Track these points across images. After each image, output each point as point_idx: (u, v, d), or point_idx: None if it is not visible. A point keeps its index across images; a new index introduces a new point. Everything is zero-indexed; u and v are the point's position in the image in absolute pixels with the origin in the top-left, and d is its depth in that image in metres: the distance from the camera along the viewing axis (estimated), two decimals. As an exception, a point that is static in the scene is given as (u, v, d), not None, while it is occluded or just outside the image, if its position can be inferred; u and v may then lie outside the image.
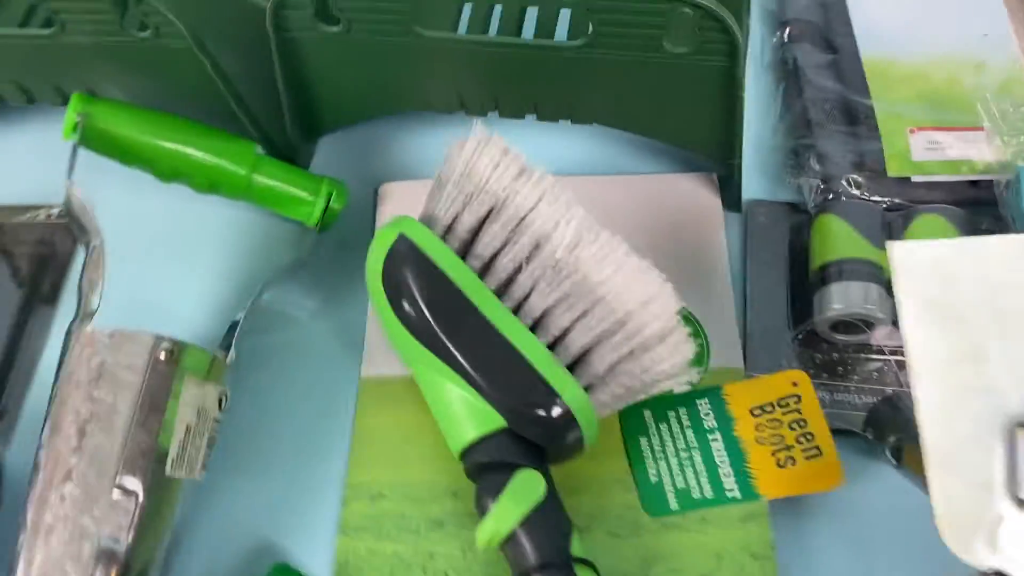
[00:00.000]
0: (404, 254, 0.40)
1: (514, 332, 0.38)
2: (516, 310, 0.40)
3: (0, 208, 0.54)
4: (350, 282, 0.50)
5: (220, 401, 0.42)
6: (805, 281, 0.46)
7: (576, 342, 0.39)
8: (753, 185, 0.50)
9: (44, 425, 0.39)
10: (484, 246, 0.40)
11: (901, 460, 0.39)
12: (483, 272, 0.40)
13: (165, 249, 0.50)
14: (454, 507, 0.42)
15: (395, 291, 0.40)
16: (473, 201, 0.41)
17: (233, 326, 0.44)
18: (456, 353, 0.38)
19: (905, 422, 0.39)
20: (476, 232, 0.41)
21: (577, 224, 0.40)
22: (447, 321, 0.39)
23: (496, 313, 0.39)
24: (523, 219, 0.40)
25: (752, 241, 0.49)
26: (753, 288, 0.47)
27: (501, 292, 0.40)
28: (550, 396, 0.38)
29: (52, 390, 0.40)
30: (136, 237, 0.47)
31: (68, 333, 0.41)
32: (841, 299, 0.43)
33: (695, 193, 0.50)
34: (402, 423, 0.44)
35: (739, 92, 0.41)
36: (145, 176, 0.48)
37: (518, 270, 0.40)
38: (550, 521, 0.37)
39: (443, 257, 0.39)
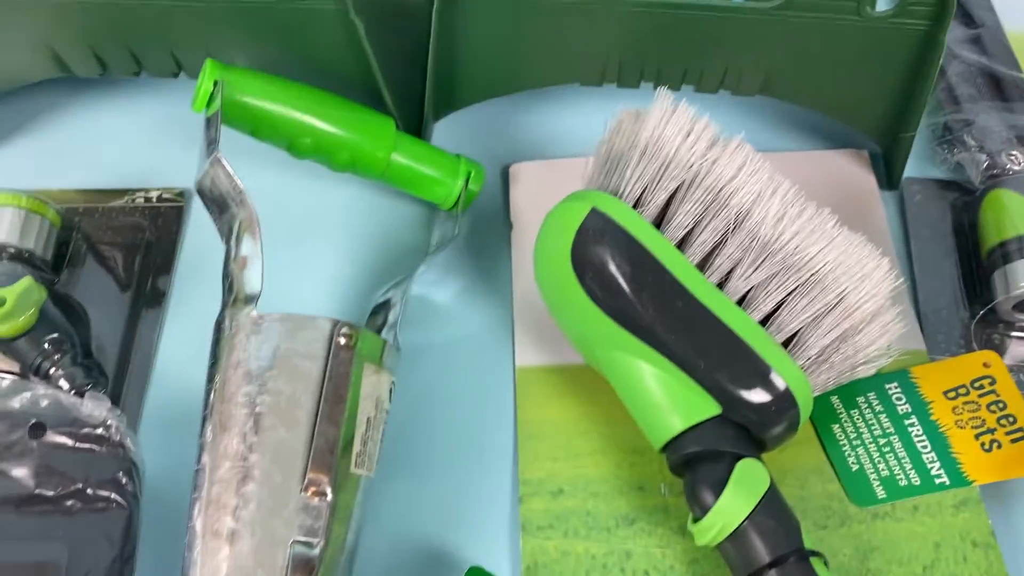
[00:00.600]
0: (600, 229, 0.37)
1: (726, 311, 0.36)
2: (720, 287, 0.37)
3: (93, 192, 0.49)
4: (488, 268, 0.47)
5: (390, 391, 0.38)
6: (975, 260, 0.45)
7: (787, 323, 0.36)
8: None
9: (204, 424, 0.36)
10: (679, 223, 0.37)
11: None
12: (680, 250, 0.38)
13: (294, 233, 0.47)
14: (642, 502, 0.39)
15: (590, 269, 0.37)
16: (664, 174, 0.38)
17: (382, 305, 0.41)
18: (665, 334, 0.36)
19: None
20: (666, 208, 0.38)
21: (782, 196, 0.37)
22: (654, 300, 0.36)
23: (705, 291, 0.36)
24: (721, 191, 0.37)
25: (912, 220, 0.47)
26: (920, 269, 0.45)
27: (702, 270, 0.37)
28: (769, 376, 0.35)
29: (210, 384, 0.36)
30: (264, 220, 0.43)
31: (220, 321, 0.37)
32: (1031, 276, 0.41)
33: (849, 171, 0.48)
34: (569, 415, 0.42)
35: (938, 58, 0.39)
36: (267, 154, 0.45)
37: (718, 247, 0.37)
38: (779, 513, 0.35)
39: (644, 232, 0.37)
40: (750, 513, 0.34)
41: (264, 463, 0.34)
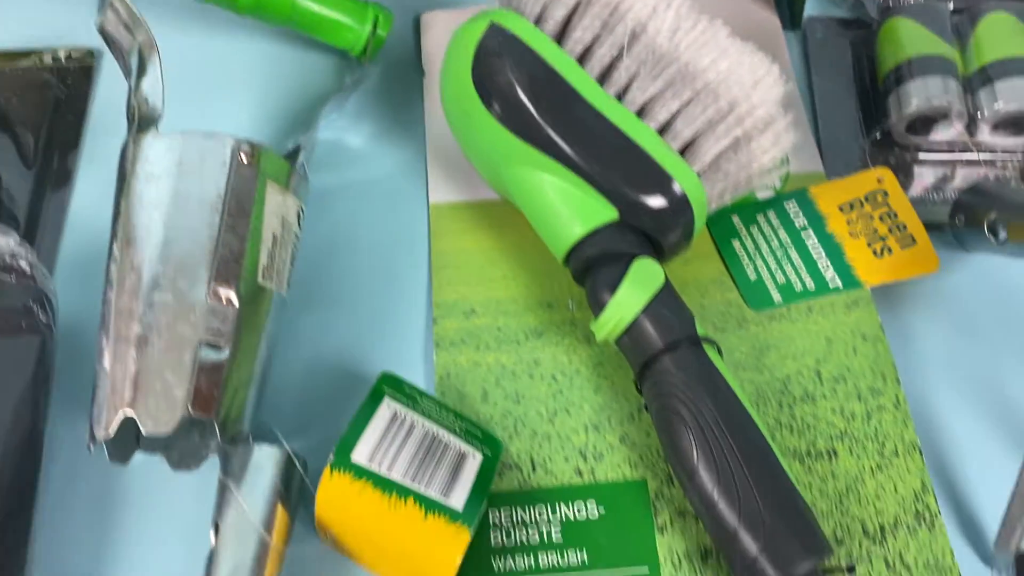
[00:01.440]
0: (499, 44, 0.37)
1: (624, 119, 0.37)
2: (619, 100, 0.38)
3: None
4: (399, 113, 0.47)
5: (298, 216, 0.39)
6: (872, 90, 0.46)
7: (681, 132, 0.38)
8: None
9: (112, 243, 0.36)
10: (577, 38, 0.38)
11: (1002, 237, 0.39)
12: (580, 65, 0.38)
13: (201, 88, 0.46)
14: (550, 317, 0.40)
15: (490, 84, 0.37)
16: (561, -8, 0.38)
17: (294, 152, 0.41)
18: (564, 143, 0.37)
19: (1002, 200, 0.40)
20: (566, 25, 0.39)
21: (676, 9, 0.38)
22: (552, 110, 0.37)
23: (603, 101, 0.37)
24: (618, 7, 0.38)
25: (814, 57, 0.48)
26: (821, 101, 0.47)
27: (601, 84, 0.38)
28: (666, 181, 0.36)
29: (116, 207, 0.36)
30: (173, 75, 0.43)
31: (124, 147, 0.37)
32: (920, 94, 0.43)
33: (752, 11, 0.49)
34: (480, 246, 0.43)
35: None
36: (172, 11, 0.44)
37: (616, 60, 0.38)
38: (673, 306, 0.36)
39: (542, 45, 0.37)
40: (645, 306, 0.35)
41: (169, 271, 0.34)
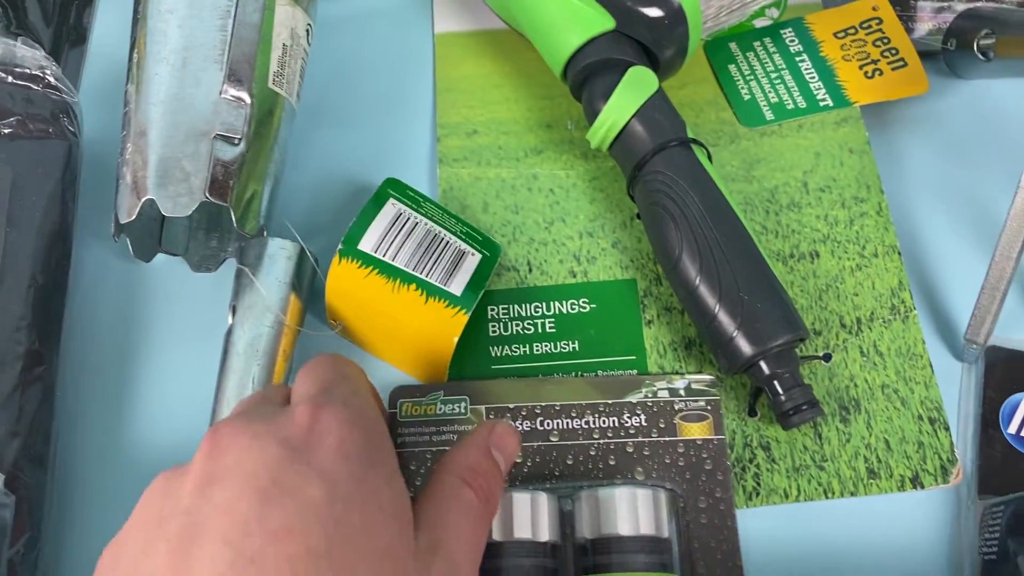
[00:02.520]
0: None
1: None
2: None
3: None
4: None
5: (307, 31, 0.40)
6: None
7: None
8: None
9: (132, 46, 0.38)
10: None
11: (991, 55, 0.40)
12: None
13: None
14: (549, 136, 0.42)
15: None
16: None
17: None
18: (561, -47, 0.38)
19: (993, 20, 0.41)
20: None
21: None
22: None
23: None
24: None
25: None
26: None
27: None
28: (660, -10, 0.37)
29: (135, 7, 0.38)
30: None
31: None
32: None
33: None
34: (483, 71, 0.44)
35: None
36: None
37: None
38: (665, 111, 0.38)
39: None
40: (638, 110, 0.37)
41: (186, 72, 0.36)
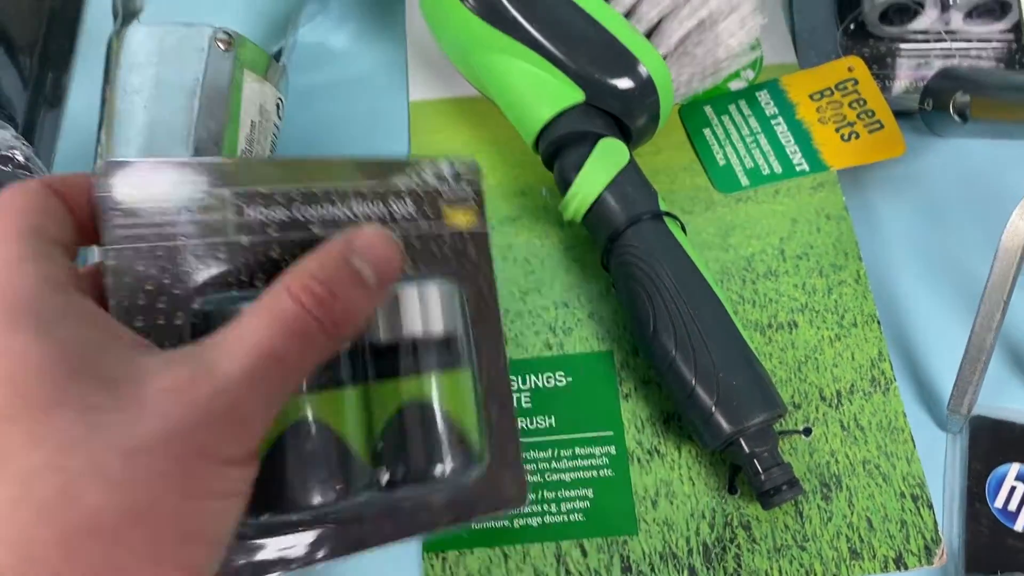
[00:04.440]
0: (467, -68, 0.38)
1: (589, 3, 0.38)
2: (585, -16, 0.39)
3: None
4: (381, 15, 0.48)
5: (278, 106, 0.40)
6: (848, -17, 0.46)
7: (647, 14, 0.38)
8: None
9: (99, 132, 0.37)
10: (545, -74, 0.39)
11: (967, 116, 0.40)
12: (546, -49, 0.39)
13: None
14: (524, 204, 0.42)
15: (459, -29, 0.38)
16: None
17: (277, 54, 0.43)
18: (531, 27, 0.37)
19: (968, 81, 0.40)
20: (534, -86, 0.40)
21: None
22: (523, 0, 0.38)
23: (568, -16, 0.38)
24: None
25: (791, -49, 0.48)
26: (797, -5, 0.47)
27: (567, -31, 0.39)
28: (630, 62, 0.37)
29: (103, 89, 0.38)
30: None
31: (110, 41, 0.39)
32: (894, -19, 0.43)
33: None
34: (458, 140, 0.44)
35: None
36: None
37: (583, -55, 0.39)
38: (637, 183, 0.37)
39: (508, -69, 0.38)
40: (609, 182, 0.37)
41: (151, 154, 0.36)
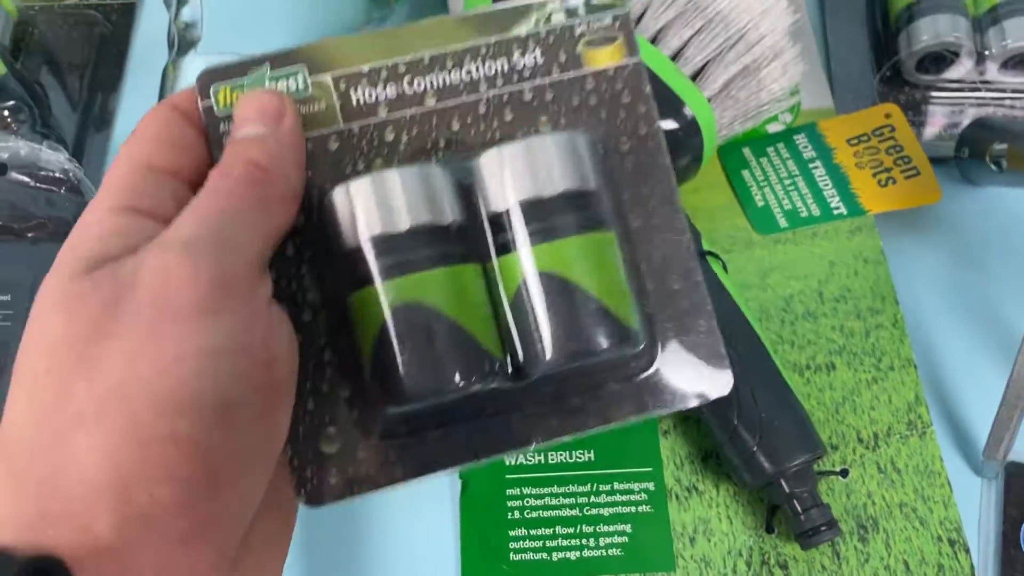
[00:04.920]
0: (518, -27, 0.39)
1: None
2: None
3: (47, -8, 0.51)
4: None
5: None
6: (885, 32, 0.47)
7: (693, 58, 0.39)
8: (823, -52, 0.51)
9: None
10: (594, -31, 0.40)
11: (1003, 166, 0.40)
12: (595, -6, 0.40)
13: (239, 18, 0.49)
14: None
15: (510, 11, 0.39)
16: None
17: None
18: (578, 66, 0.38)
19: (1005, 131, 0.41)
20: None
21: (690, -59, 0.40)
22: (568, 35, 0.39)
23: (616, 26, 0.39)
24: (633, -61, 0.40)
25: (829, 1, 0.49)
26: (834, 40, 0.48)
27: (615, 12, 0.40)
28: (677, 104, 0.38)
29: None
30: (211, 7, 0.45)
31: (165, 70, 0.40)
32: (931, 30, 0.44)
33: (770, -46, 0.50)
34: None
35: None
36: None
37: (631, -10, 0.40)
38: (681, 222, 0.38)
39: (559, -27, 0.39)
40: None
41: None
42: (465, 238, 0.24)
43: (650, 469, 0.37)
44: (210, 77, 0.25)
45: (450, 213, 0.24)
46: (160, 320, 0.20)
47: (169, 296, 0.20)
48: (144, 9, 0.51)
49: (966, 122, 0.45)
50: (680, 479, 0.36)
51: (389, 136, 0.25)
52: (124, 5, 0.51)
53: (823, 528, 0.33)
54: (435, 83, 0.25)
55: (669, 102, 0.38)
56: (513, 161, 0.24)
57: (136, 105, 0.48)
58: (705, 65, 0.39)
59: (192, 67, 0.38)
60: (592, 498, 0.36)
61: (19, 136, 0.44)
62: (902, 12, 0.46)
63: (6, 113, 0.44)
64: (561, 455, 0.37)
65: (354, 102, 0.25)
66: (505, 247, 0.24)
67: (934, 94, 0.46)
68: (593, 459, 0.37)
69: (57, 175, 0.40)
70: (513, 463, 0.37)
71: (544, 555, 0.35)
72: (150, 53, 0.49)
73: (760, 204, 0.42)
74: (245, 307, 0.21)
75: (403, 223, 0.23)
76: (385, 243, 0.23)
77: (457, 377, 0.23)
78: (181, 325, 0.20)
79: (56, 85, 0.49)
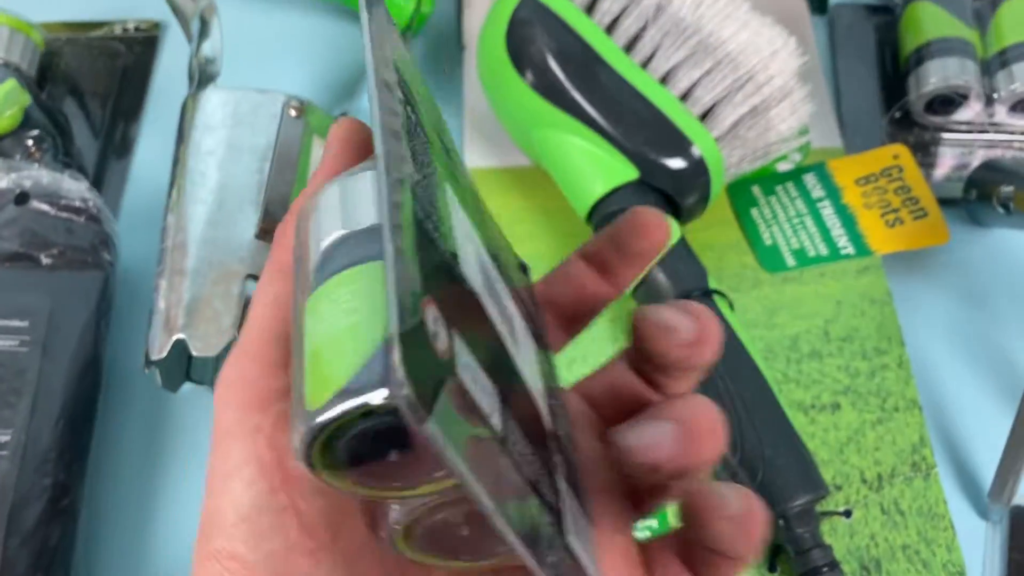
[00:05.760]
0: (531, 14, 0.40)
1: (645, 84, 0.39)
2: (643, 68, 0.40)
3: (75, 24, 0.53)
4: (439, 84, 0.50)
5: (342, 171, 0.42)
6: (894, 73, 0.48)
7: (701, 98, 0.40)
8: (834, -11, 0.51)
9: (170, 189, 0.39)
10: (605, 9, 0.41)
11: (1011, 208, 0.41)
12: (607, 34, 0.41)
13: (257, 60, 0.50)
14: (574, 274, 0.43)
15: (523, 51, 0.40)
16: (592, -34, 0.41)
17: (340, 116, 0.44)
18: (588, 106, 0.39)
19: (1013, 174, 0.41)
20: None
21: (700, -17, 0.40)
22: (579, 76, 0.39)
23: (627, 67, 0.39)
24: (645, -19, 0.41)
25: (840, 40, 0.50)
26: (843, 81, 0.48)
27: (626, 52, 0.41)
28: (685, 144, 0.39)
29: (175, 156, 0.40)
30: (231, 45, 0.46)
31: (185, 103, 0.41)
32: (939, 73, 0.45)
33: (781, -5, 0.51)
34: (509, 207, 0.45)
35: None
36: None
37: (643, 30, 0.40)
38: (687, 260, 0.38)
39: (571, 14, 0.40)
40: (659, 259, 0.38)
41: (222, 212, 0.37)
42: None
43: (653, 506, 0.37)
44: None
45: None
46: None
47: None
48: (166, 42, 0.52)
49: (975, 164, 0.45)
50: (683, 516, 0.36)
51: None
52: (147, 38, 0.52)
53: (825, 569, 0.33)
54: None
55: (677, 141, 0.39)
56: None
57: (155, 135, 0.49)
58: (714, 105, 0.40)
59: (212, 102, 0.39)
60: (595, 533, 0.36)
61: (42, 164, 0.45)
62: (911, 54, 0.46)
63: (30, 142, 0.45)
64: (565, 490, 0.37)
65: None
66: None
67: (943, 136, 0.46)
68: (597, 494, 0.37)
69: (77, 204, 0.41)
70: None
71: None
72: (170, 84, 0.51)
73: (768, 242, 0.43)
74: None
75: None
76: None
77: None
78: None
79: (79, 113, 0.50)
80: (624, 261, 0.24)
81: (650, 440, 0.20)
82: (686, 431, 0.20)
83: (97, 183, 0.48)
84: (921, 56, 0.46)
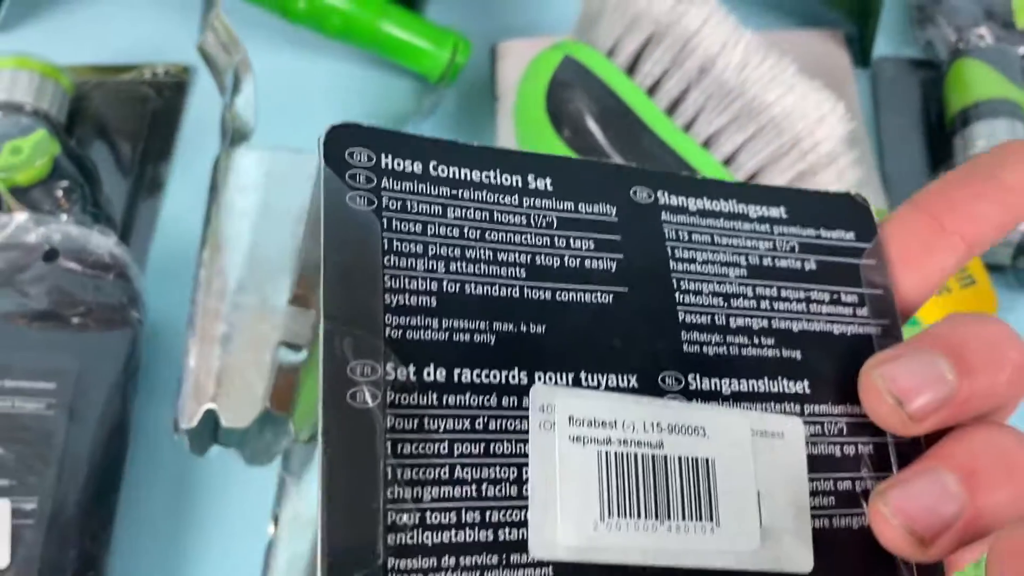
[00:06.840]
0: (572, 76, 0.39)
1: (689, 150, 0.38)
2: (685, 131, 0.39)
3: (104, 68, 0.52)
4: (472, 136, 0.49)
5: (375, 230, 0.41)
6: (940, 130, 0.47)
7: (745, 164, 0.39)
8: (877, 43, 0.50)
9: (202, 247, 0.38)
10: (647, 71, 0.40)
11: (1063, 279, 0.39)
12: (649, 96, 0.40)
13: (287, 106, 0.49)
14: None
15: (563, 113, 0.39)
16: (634, 26, 0.40)
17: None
18: (629, 170, 0.38)
19: (1066, 244, 0.40)
20: (637, 58, 0.40)
21: (745, 45, 0.39)
22: (620, 139, 0.39)
23: (670, 131, 0.39)
24: (688, 42, 0.40)
25: (883, 95, 0.49)
26: (887, 138, 0.47)
27: (668, 115, 0.40)
28: (727, 210, 0.38)
29: (207, 213, 0.39)
30: (263, 93, 0.46)
31: (217, 159, 0.40)
32: (987, 134, 0.43)
33: (823, 50, 0.50)
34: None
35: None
36: (262, 34, 0.47)
37: (685, 92, 0.39)
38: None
39: (612, 76, 0.39)
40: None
41: (254, 276, 0.37)
42: None
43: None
44: None
45: None
46: None
47: None
48: (196, 86, 0.52)
49: (1023, 229, 0.44)
50: None
51: None
52: (176, 83, 0.52)
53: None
54: None
55: (721, 208, 0.38)
56: None
57: (186, 178, 0.48)
58: (758, 171, 0.39)
59: (245, 162, 0.39)
60: None
61: (70, 215, 0.44)
62: (957, 114, 0.45)
63: (60, 193, 0.44)
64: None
65: None
66: None
67: (990, 197, 0.45)
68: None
69: (106, 260, 0.40)
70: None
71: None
72: (201, 128, 0.50)
73: (810, 309, 0.42)
74: None
75: None
76: None
77: None
78: None
79: (108, 156, 0.50)
80: None
81: None
82: None
83: (126, 226, 0.47)
84: (967, 117, 0.44)
